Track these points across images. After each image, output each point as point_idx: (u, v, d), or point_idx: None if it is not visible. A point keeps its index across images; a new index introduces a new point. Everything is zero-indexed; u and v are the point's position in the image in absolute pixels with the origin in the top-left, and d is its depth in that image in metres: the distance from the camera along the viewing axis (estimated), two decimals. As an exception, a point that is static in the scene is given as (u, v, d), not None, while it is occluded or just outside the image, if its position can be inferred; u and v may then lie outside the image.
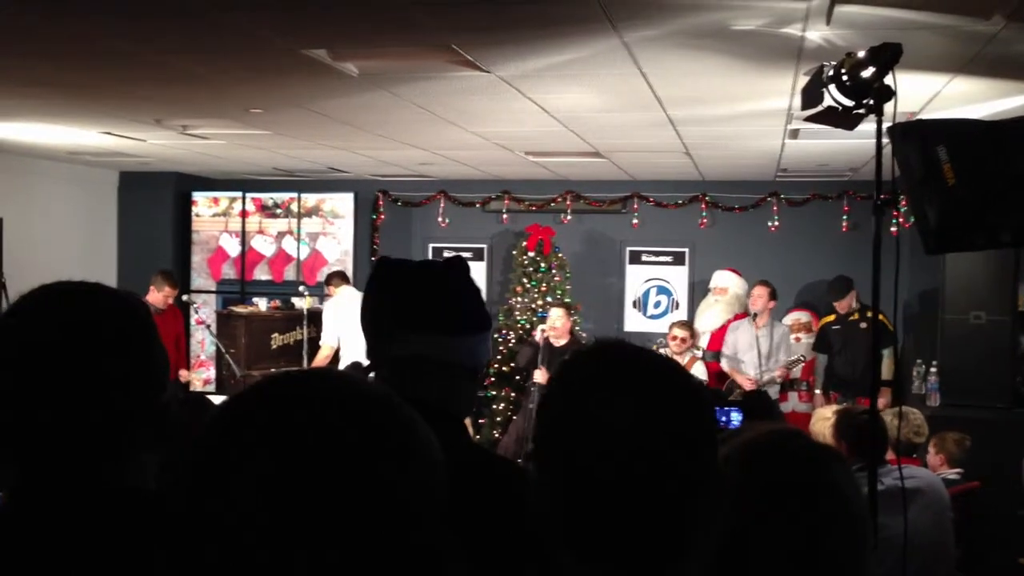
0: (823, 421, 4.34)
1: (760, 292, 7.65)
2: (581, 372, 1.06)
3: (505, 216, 9.64)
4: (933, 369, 6.89)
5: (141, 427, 1.27)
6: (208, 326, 8.69)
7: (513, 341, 8.90)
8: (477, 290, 1.80)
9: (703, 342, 8.18)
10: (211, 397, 4.75)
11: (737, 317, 8.03)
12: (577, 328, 8.66)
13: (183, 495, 0.77)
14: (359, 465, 0.75)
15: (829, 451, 1.32)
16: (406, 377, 1.67)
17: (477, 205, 9.72)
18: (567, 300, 8.83)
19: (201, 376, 9.18)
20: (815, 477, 1.20)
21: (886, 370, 7.41)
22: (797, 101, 3.75)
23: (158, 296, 7.42)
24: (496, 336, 9.27)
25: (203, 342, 9.76)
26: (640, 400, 1.00)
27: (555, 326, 7.63)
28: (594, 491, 0.98)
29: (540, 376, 7.42)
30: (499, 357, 9.01)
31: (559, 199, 9.47)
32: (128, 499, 1.20)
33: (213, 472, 0.76)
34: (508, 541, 1.51)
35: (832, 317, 7.92)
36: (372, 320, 1.76)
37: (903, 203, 6.48)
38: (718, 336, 8.11)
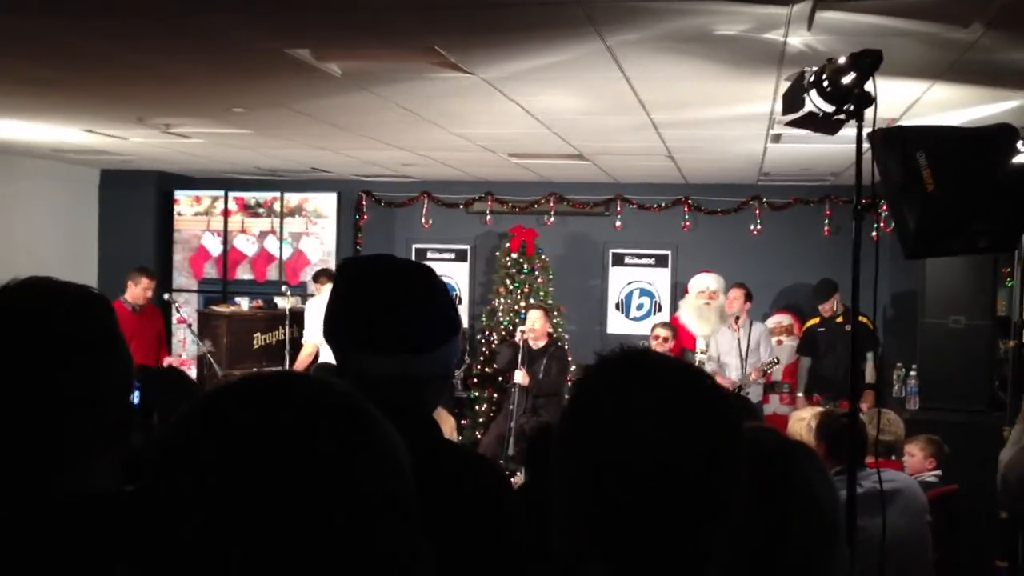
0: (800, 422, 4.37)
1: (736, 294, 7.69)
2: (610, 380, 1.06)
3: (488, 217, 9.64)
4: (912, 373, 6.93)
5: (104, 430, 1.20)
6: (189, 325, 8.65)
7: (496, 342, 8.90)
8: (444, 293, 1.70)
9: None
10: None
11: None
12: (559, 330, 8.67)
13: (141, 494, 0.77)
14: (315, 471, 0.74)
15: (800, 448, 1.33)
16: (374, 390, 1.62)
17: (460, 206, 9.72)
18: (550, 302, 8.85)
19: (182, 376, 9.12)
20: (779, 472, 1.20)
21: (869, 373, 7.45)
22: (779, 106, 3.77)
23: (136, 291, 7.36)
24: (479, 337, 9.28)
25: (184, 341, 9.70)
26: (668, 411, 1.01)
27: (533, 328, 7.65)
28: (620, 499, 0.99)
29: (520, 377, 7.44)
30: (481, 359, 9.02)
31: (542, 201, 9.48)
32: (81, 506, 1.14)
33: (168, 470, 0.76)
34: (480, 529, 1.50)
35: (817, 320, 7.95)
36: (338, 335, 1.64)
37: (884, 208, 6.53)
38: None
